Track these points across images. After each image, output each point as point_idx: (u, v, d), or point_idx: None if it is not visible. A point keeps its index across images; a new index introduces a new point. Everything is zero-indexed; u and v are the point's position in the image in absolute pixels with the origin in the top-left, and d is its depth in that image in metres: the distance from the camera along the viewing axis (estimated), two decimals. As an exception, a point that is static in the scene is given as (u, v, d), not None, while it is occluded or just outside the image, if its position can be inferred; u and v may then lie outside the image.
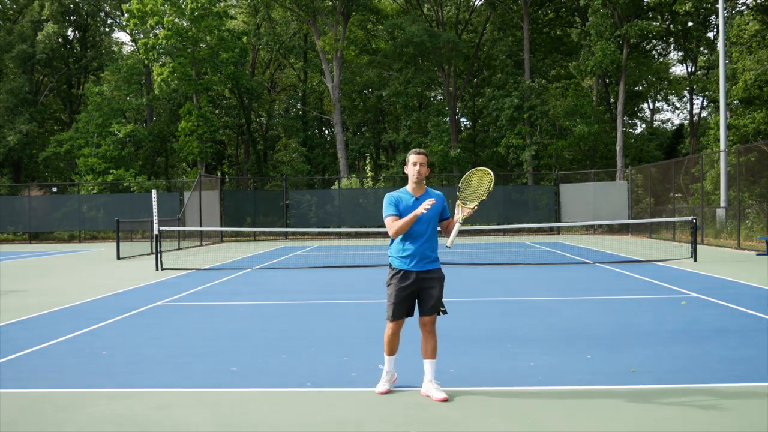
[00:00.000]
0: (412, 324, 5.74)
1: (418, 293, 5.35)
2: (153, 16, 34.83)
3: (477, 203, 5.37)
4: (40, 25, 41.07)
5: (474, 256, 19.21)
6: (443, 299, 5.47)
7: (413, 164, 5.29)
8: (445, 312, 5.43)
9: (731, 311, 9.06)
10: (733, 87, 27.48)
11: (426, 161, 5.32)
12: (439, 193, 5.46)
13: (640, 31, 31.22)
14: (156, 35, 36.57)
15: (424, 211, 5.08)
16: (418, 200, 5.27)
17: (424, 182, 5.43)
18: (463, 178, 5.59)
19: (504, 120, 36.22)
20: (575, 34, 42.10)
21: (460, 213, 5.36)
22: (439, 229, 5.47)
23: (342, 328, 8.41)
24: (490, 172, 5.50)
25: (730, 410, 4.89)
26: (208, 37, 36.21)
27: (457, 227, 5.34)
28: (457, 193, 5.50)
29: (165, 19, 34.66)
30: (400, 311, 5.34)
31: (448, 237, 5.44)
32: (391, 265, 5.42)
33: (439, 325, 8.21)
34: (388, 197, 5.33)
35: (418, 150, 5.34)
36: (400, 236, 5.30)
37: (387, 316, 5.41)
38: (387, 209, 5.29)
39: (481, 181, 5.50)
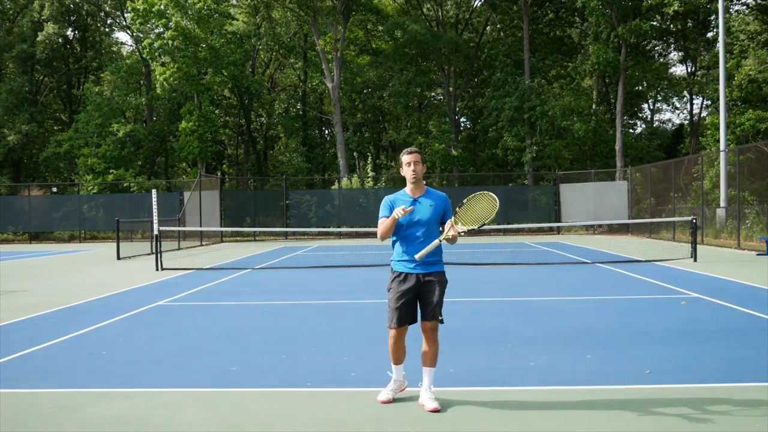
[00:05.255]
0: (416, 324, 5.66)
1: (418, 297, 5.12)
2: (159, 17, 34.81)
3: (467, 229, 5.03)
4: (40, 25, 41.06)
5: (474, 256, 19.20)
6: (442, 308, 5.18)
7: (407, 164, 5.10)
8: (441, 321, 5.17)
9: (731, 311, 9.06)
10: (732, 85, 27.45)
11: (420, 159, 5.13)
12: (443, 194, 5.23)
13: (636, 30, 31.20)
14: (159, 35, 36.55)
15: (399, 216, 4.90)
16: (417, 201, 5.09)
17: (424, 182, 5.25)
18: (470, 196, 5.19)
19: (504, 120, 36.23)
20: (575, 34, 42.10)
21: (446, 232, 5.03)
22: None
23: (342, 328, 8.40)
24: (497, 204, 5.11)
25: (730, 410, 4.90)
26: (215, 38, 36.20)
27: (434, 243, 5.01)
28: (457, 208, 5.12)
29: (174, 19, 34.65)
30: (401, 317, 5.08)
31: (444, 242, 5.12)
32: (392, 269, 5.22)
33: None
34: (384, 200, 5.18)
35: (410, 149, 5.16)
36: (400, 240, 5.15)
37: (388, 323, 5.15)
38: (380, 212, 5.18)
39: (485, 210, 5.10)
